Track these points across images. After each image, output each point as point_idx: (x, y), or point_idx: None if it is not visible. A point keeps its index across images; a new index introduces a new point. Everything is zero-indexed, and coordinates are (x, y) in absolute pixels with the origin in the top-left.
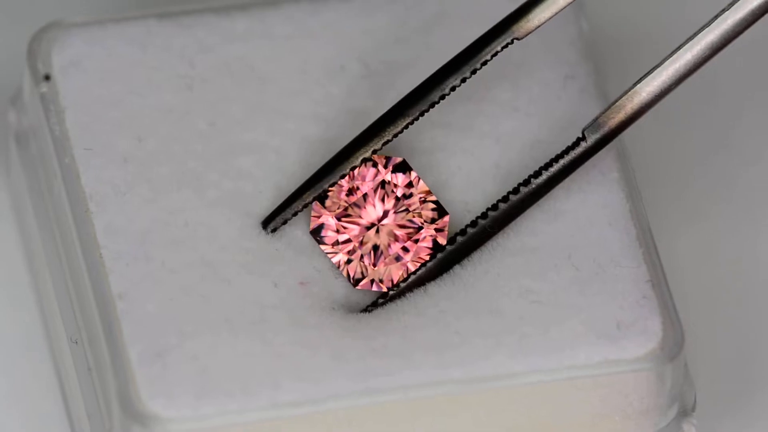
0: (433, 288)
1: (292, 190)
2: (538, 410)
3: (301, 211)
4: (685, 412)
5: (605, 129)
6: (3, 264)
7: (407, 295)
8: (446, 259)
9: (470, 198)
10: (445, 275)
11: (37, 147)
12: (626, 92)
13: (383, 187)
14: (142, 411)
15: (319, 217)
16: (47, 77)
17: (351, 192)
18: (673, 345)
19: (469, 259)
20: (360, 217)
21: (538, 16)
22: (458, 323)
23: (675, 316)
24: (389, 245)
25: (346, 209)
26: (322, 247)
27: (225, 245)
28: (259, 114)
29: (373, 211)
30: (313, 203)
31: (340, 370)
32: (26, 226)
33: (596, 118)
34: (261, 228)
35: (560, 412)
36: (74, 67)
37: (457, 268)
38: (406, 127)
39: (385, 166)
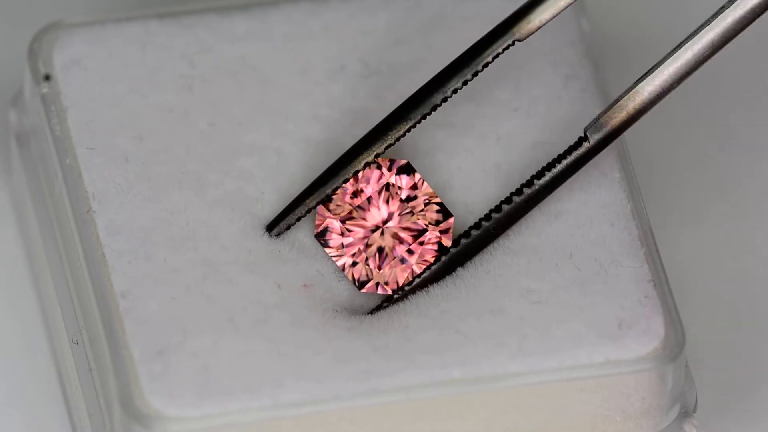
0: (435, 289)
1: (294, 191)
2: (539, 410)
3: (304, 216)
4: (686, 413)
5: (607, 128)
6: (3, 264)
7: (409, 296)
8: (450, 261)
9: (471, 199)
10: (446, 276)
11: (38, 147)
12: (627, 91)
13: (387, 190)
14: (143, 410)
15: (323, 220)
16: (48, 77)
17: (355, 195)
18: (675, 345)
19: (471, 259)
20: (364, 219)
21: (539, 17)
22: (460, 324)
23: (676, 316)
24: (394, 248)
25: (350, 212)
26: (327, 250)
27: (226, 245)
28: (260, 114)
29: (377, 214)
30: (317, 206)
31: (342, 370)
32: (27, 226)
33: (598, 118)
34: (263, 229)
35: (561, 413)
36: (75, 66)
37: (458, 268)
38: (409, 130)
39: (389, 169)
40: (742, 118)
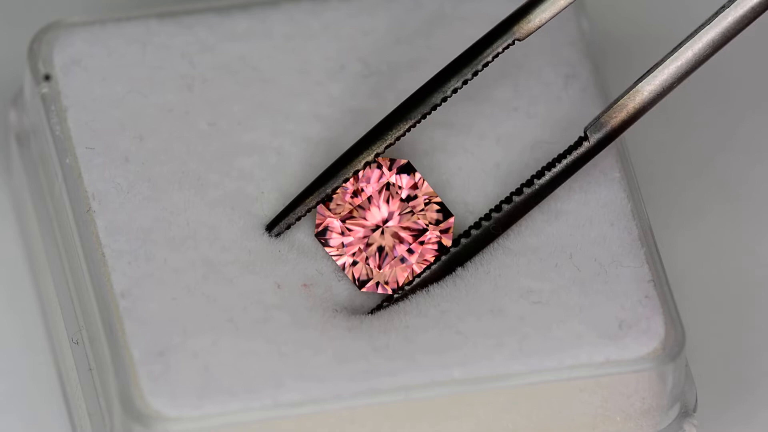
0: (435, 289)
1: (294, 191)
2: (539, 410)
3: (304, 215)
4: (686, 413)
5: (607, 128)
6: (3, 264)
7: (409, 296)
8: (450, 261)
9: (471, 198)
10: (446, 276)
11: (38, 147)
12: (628, 91)
13: (388, 189)
14: (143, 410)
15: (323, 219)
16: (48, 77)
17: (355, 194)
18: (675, 345)
19: (471, 259)
20: (365, 219)
21: (539, 16)
22: (460, 324)
23: (676, 316)
24: (394, 247)
25: (350, 211)
26: (327, 249)
27: (227, 245)
28: (260, 114)
29: (377, 213)
30: (318, 205)
31: (342, 370)
32: (27, 226)
33: (598, 118)
34: (263, 229)
35: (561, 413)
36: (75, 66)
37: (458, 268)
38: (409, 129)
39: (390, 168)
40: (742, 118)
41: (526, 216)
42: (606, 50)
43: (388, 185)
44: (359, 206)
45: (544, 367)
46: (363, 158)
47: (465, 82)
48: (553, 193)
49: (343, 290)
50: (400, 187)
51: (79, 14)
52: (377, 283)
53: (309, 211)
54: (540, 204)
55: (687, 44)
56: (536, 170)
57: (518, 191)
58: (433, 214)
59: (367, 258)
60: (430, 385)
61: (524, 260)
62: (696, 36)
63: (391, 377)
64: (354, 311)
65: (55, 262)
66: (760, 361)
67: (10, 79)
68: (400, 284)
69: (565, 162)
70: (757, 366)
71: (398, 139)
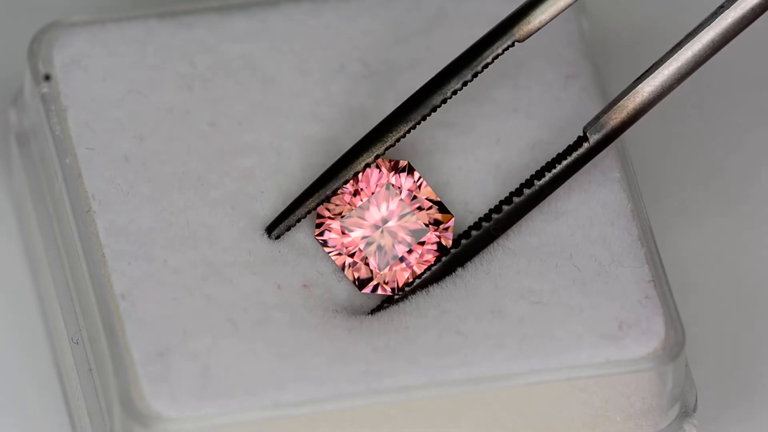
0: (435, 289)
1: (294, 191)
2: (539, 411)
3: (304, 217)
4: (686, 413)
5: (607, 129)
6: (3, 264)
7: (409, 296)
8: (450, 261)
9: (470, 198)
10: (446, 276)
11: (38, 147)
12: (627, 91)
13: (387, 190)
14: (143, 411)
15: (323, 220)
16: (48, 77)
17: (355, 195)
18: (675, 345)
19: (471, 260)
20: (364, 219)
21: (539, 17)
22: (460, 324)
23: (676, 316)
24: (394, 248)
25: (350, 212)
26: (327, 249)
27: (227, 246)
28: (260, 114)
29: (377, 214)
30: (317, 207)
31: (342, 371)
32: (27, 226)
33: (598, 118)
34: (263, 230)
35: (561, 413)
36: (75, 66)
37: (458, 269)
38: (408, 131)
39: (390, 169)
40: (742, 118)
41: (526, 216)
42: (606, 50)
43: (387, 186)
44: (359, 207)
45: (544, 367)
46: (363, 160)
47: (465, 84)
48: (553, 193)
49: (343, 291)
50: (399, 188)
51: (79, 14)
52: (377, 284)
53: (309, 213)
54: (540, 204)
55: (686, 45)
56: (536, 170)
57: (518, 192)
58: (432, 214)
59: (366, 258)
60: (430, 386)
61: (524, 260)
62: (696, 37)
63: (391, 378)
64: (354, 312)
65: (55, 262)
66: (760, 361)
67: (10, 79)
68: (400, 285)
69: (564, 163)
70: (757, 366)
71: (398, 140)
